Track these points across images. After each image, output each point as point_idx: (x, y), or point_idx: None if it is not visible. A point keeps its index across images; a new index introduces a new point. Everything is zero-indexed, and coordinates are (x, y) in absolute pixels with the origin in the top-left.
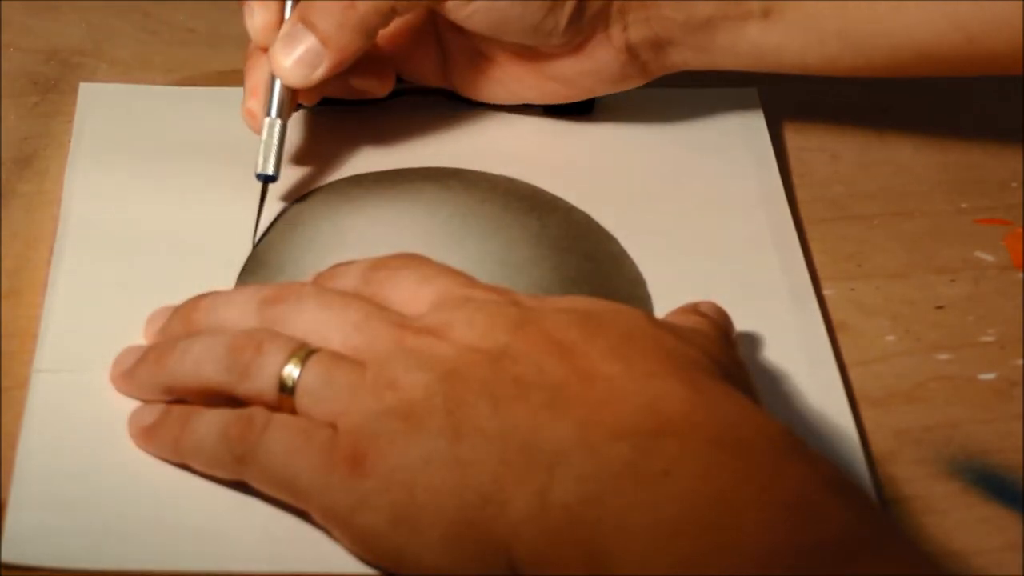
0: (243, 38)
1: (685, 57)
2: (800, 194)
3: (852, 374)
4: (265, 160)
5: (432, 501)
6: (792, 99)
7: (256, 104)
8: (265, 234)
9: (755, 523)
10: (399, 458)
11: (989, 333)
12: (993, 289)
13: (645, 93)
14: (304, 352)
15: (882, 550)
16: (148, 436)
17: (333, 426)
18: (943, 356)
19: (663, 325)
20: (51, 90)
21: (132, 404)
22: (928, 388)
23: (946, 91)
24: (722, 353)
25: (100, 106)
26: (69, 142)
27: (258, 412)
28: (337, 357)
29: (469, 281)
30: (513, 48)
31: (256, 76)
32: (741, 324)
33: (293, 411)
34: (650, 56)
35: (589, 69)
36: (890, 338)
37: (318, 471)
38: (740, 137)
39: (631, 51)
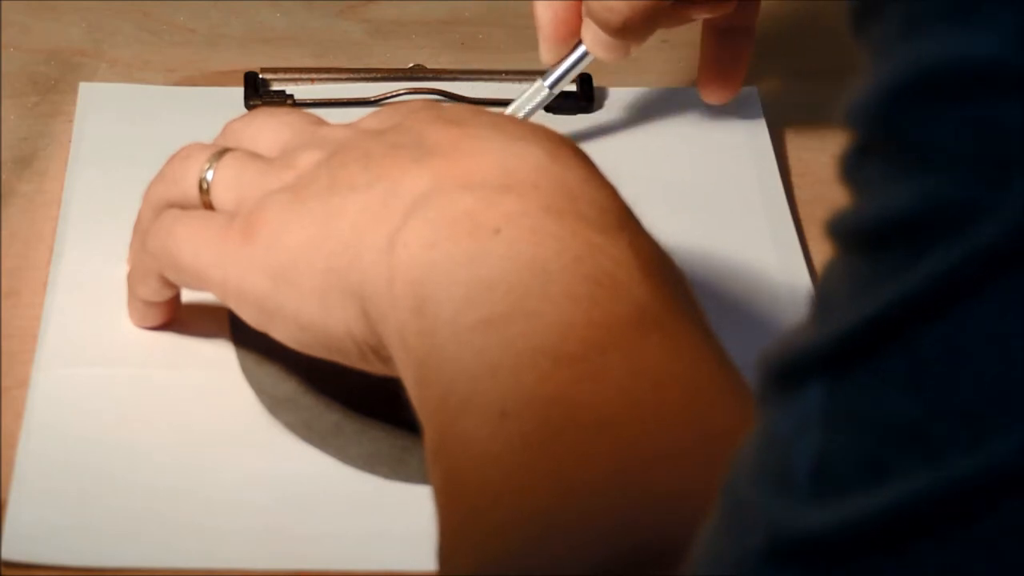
0: (243, 38)
1: None
2: (800, 194)
3: None
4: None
5: (304, 254)
6: (792, 99)
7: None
8: None
9: (560, 293)
10: (282, 222)
11: None
12: None
13: (645, 93)
14: (222, 154)
15: (672, 329)
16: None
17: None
18: None
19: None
20: (51, 90)
21: (131, 405)
22: None
23: None
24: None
25: (100, 106)
26: (69, 142)
27: (171, 211)
28: (251, 155)
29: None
30: None
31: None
32: (740, 324)
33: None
34: None
35: None
36: None
37: (214, 246)
38: (740, 137)
39: None
